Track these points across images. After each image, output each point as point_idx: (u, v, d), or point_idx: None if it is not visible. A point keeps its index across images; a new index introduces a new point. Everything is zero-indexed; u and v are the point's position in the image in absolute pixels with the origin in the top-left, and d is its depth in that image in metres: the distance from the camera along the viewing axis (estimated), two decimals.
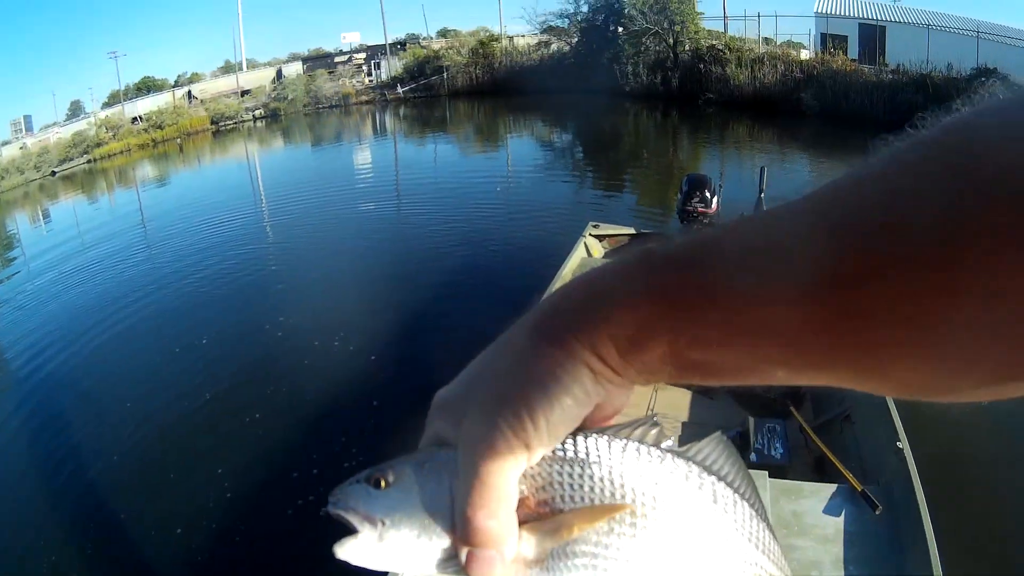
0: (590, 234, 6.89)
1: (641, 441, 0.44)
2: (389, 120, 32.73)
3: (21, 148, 30.89)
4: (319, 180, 19.75)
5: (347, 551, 0.41)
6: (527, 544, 0.40)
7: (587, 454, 0.42)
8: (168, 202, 20.37)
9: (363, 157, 24.26)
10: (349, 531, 0.41)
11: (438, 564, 0.41)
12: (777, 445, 3.98)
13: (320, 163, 24.00)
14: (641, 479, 0.42)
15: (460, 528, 0.39)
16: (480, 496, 0.38)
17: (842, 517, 3.18)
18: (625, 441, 0.44)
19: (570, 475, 0.42)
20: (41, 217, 23.73)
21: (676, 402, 4.60)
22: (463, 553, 0.39)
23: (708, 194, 6.70)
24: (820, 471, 3.72)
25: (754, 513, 0.48)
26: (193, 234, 15.21)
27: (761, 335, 0.33)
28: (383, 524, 0.41)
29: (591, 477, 0.42)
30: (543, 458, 0.41)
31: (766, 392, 4.39)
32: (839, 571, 2.94)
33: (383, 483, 0.42)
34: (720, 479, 0.46)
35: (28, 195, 27.23)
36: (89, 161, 30.83)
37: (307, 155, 26.40)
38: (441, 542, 0.40)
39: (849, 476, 3.41)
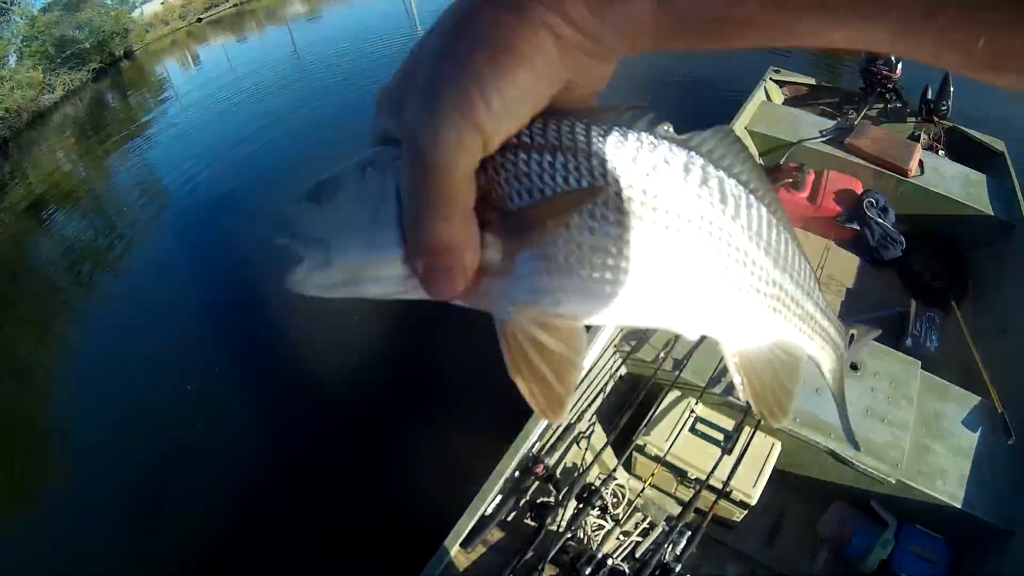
0: (771, 78, 6.66)
1: (628, 126, 0.40)
2: None
3: (163, 3, 31.65)
4: None
5: (296, 282, 0.40)
6: (491, 250, 0.38)
7: (559, 139, 0.38)
8: (321, 33, 22.02)
9: None
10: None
11: (394, 284, 0.39)
12: (933, 337, 4.33)
13: None
14: (628, 167, 0.39)
15: (410, 236, 0.36)
16: (429, 195, 0.35)
17: (977, 434, 3.34)
18: (608, 125, 0.40)
19: (538, 163, 0.38)
20: (191, 61, 24.92)
21: (842, 266, 4.94)
22: (418, 266, 0.37)
23: (894, 58, 6.03)
24: (968, 377, 3.82)
25: (774, 220, 0.44)
26: (346, 60, 16.31)
27: None
28: (327, 245, 0.39)
29: (564, 165, 0.38)
30: (505, 146, 0.37)
31: (932, 279, 4.75)
32: (960, 489, 3.10)
33: (323, 197, 0.40)
34: (730, 175, 0.42)
35: (177, 42, 28.53)
36: (236, 4, 31.39)
37: None
38: (393, 257, 0.38)
39: (993, 394, 3.55)
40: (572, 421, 3.40)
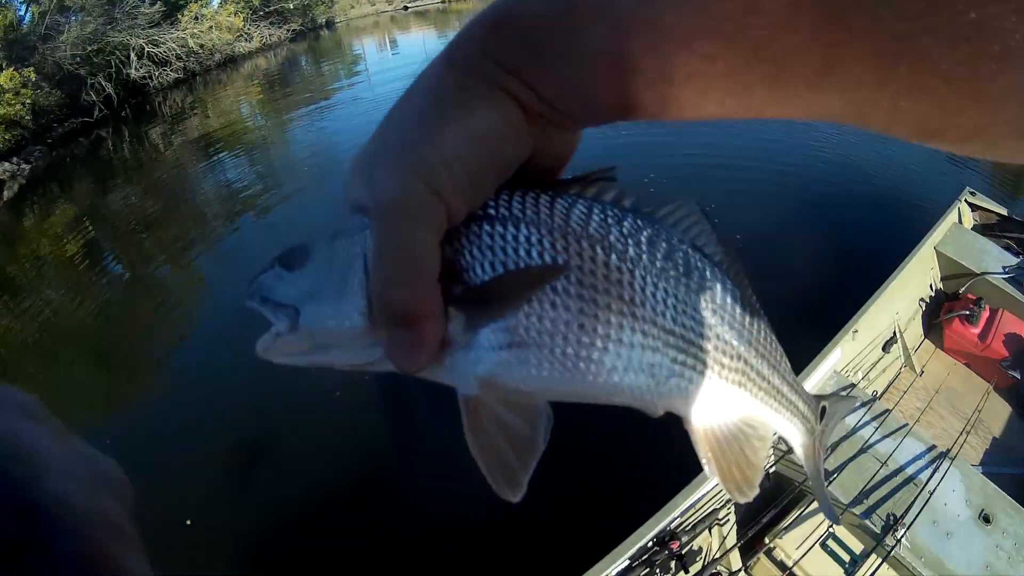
0: (965, 200, 6.44)
1: (595, 198, 0.42)
2: None
3: None
4: None
5: (264, 348, 0.41)
6: (455, 322, 0.38)
7: (523, 212, 0.40)
8: None
9: None
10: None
11: (361, 354, 0.40)
12: None
13: None
14: (593, 242, 0.40)
15: (375, 306, 0.37)
16: (393, 265, 0.36)
17: None
18: (574, 196, 0.42)
19: (502, 236, 0.39)
20: (388, 44, 26.20)
21: (996, 413, 4.73)
22: (383, 338, 0.38)
23: None
24: None
25: (739, 294, 0.45)
26: None
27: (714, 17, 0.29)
28: (296, 312, 0.40)
29: (528, 239, 0.39)
30: (470, 217, 0.39)
31: None
32: None
33: (295, 264, 0.41)
34: (695, 248, 0.44)
35: (378, 24, 29.99)
36: (443, 1, 32.93)
37: None
38: (360, 327, 0.39)
39: None
40: (715, 507, 3.45)
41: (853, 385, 4.26)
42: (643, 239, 0.41)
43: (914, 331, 5.32)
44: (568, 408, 0.43)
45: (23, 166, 18.01)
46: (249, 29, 27.09)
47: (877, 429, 3.77)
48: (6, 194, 16.58)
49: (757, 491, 0.47)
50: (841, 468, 3.59)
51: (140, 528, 0.43)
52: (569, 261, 0.39)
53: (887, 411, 3.91)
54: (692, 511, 3.41)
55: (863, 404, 3.98)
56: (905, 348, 5.07)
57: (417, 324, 0.37)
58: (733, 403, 0.47)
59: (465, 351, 0.39)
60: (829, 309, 5.31)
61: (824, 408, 0.59)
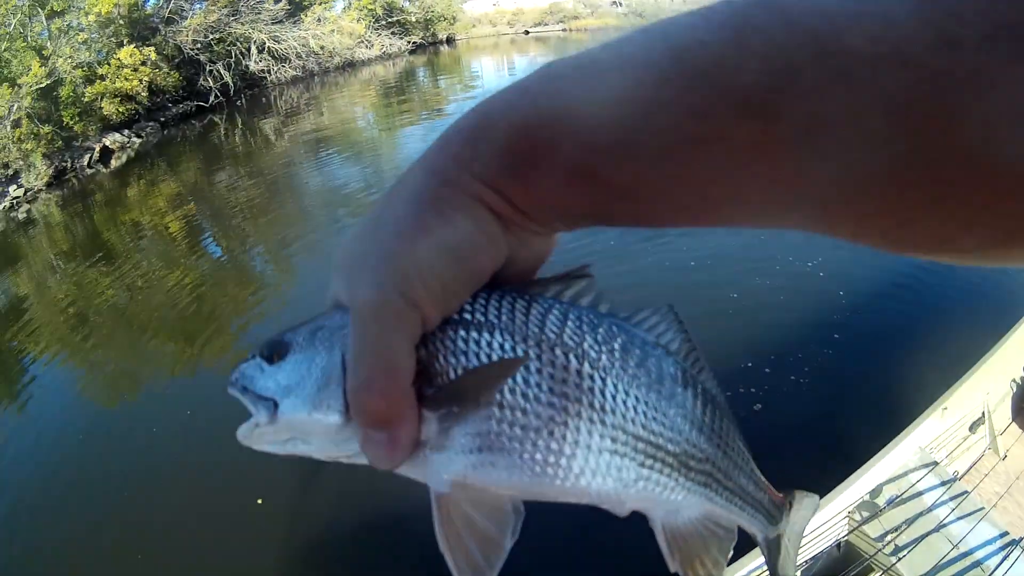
0: None
1: (571, 302, 0.44)
2: None
3: (494, 5, 34.45)
4: None
5: (244, 436, 0.43)
6: (429, 424, 0.40)
7: (498, 317, 0.41)
8: None
9: None
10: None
11: (337, 447, 0.42)
12: None
13: None
14: (567, 348, 0.42)
15: (352, 408, 0.39)
16: (369, 370, 0.38)
17: None
18: (550, 301, 0.43)
19: (476, 342, 0.41)
20: (505, 65, 26.34)
21: None
22: (359, 436, 0.39)
23: None
24: None
25: (710, 397, 0.48)
26: None
27: (674, 140, 0.32)
28: (275, 405, 0.42)
29: (501, 346, 0.41)
30: (446, 322, 0.41)
31: None
32: None
33: (275, 357, 0.43)
34: (669, 353, 0.46)
35: (498, 45, 30.85)
36: (564, 29, 33.18)
37: None
38: (337, 422, 0.41)
39: None
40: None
41: (936, 463, 4.17)
42: (616, 346, 0.43)
43: (1003, 413, 5.02)
44: None
45: (133, 139, 18.83)
46: (370, 36, 27.84)
47: (953, 510, 3.68)
48: (114, 163, 17.36)
49: None
50: (912, 545, 3.54)
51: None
52: (531, 364, 0.40)
53: (965, 492, 3.81)
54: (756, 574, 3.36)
55: (943, 483, 3.93)
56: (992, 429, 4.81)
57: (392, 426, 0.38)
58: (698, 503, 0.48)
59: (438, 452, 0.40)
60: (921, 381, 5.20)
61: (791, 502, 0.60)
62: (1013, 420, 5.01)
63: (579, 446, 0.41)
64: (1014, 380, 5.12)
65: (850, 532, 3.78)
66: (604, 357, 0.42)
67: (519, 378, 0.41)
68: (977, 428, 4.69)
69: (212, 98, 21.86)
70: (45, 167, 16.53)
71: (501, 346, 0.41)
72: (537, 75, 0.36)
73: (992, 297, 7.02)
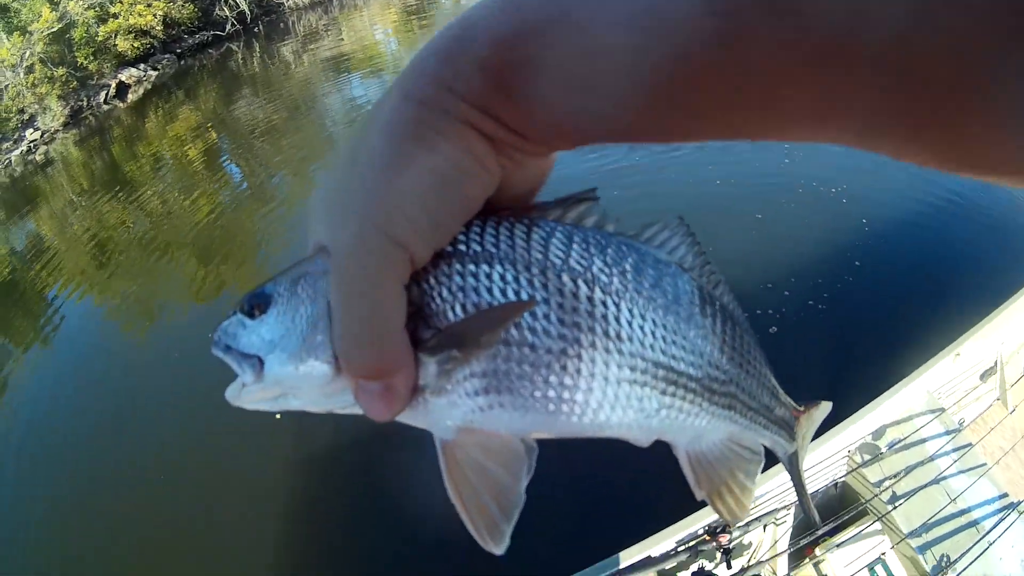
0: None
1: (575, 224, 0.41)
2: None
3: None
4: None
5: (233, 396, 0.41)
6: (427, 368, 0.38)
7: (496, 245, 0.39)
8: None
9: None
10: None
11: (329, 400, 0.40)
12: None
13: None
14: (574, 274, 0.39)
15: (341, 359, 0.37)
16: (355, 321, 0.36)
17: None
18: (551, 224, 0.41)
19: (474, 275, 0.38)
20: None
21: None
22: (352, 387, 0.38)
23: None
24: None
25: (728, 314, 0.46)
26: None
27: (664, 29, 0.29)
28: (260, 362, 0.40)
29: (502, 277, 0.38)
30: (439, 256, 0.38)
31: None
32: None
33: (257, 311, 0.41)
34: (683, 269, 0.44)
35: None
36: None
37: None
38: (327, 374, 0.38)
39: None
40: (776, 507, 3.43)
41: (943, 410, 4.05)
42: (628, 267, 0.41)
43: (1016, 365, 4.73)
44: None
45: (150, 72, 18.59)
46: None
47: (956, 462, 3.61)
48: (131, 97, 17.20)
49: (748, 512, 0.47)
50: (910, 495, 3.51)
51: None
52: (537, 295, 0.38)
53: (969, 445, 3.72)
54: (750, 508, 2.95)
55: (947, 432, 3.87)
56: (1003, 381, 4.58)
57: (386, 376, 0.36)
58: (722, 426, 0.46)
59: (439, 397, 0.38)
60: (937, 322, 4.97)
61: (808, 413, 0.59)
62: None
63: (595, 378, 0.38)
64: None
65: (849, 473, 3.78)
66: (616, 280, 0.40)
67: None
68: (988, 378, 4.53)
69: (229, 27, 21.37)
70: (60, 108, 16.44)
71: (501, 276, 0.38)
72: None
73: (1019, 243, 6.71)
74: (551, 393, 0.38)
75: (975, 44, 0.22)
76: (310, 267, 0.40)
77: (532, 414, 0.38)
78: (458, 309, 0.38)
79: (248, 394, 0.41)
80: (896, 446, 3.86)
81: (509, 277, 0.38)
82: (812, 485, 3.74)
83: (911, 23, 0.23)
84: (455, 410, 0.39)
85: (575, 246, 0.40)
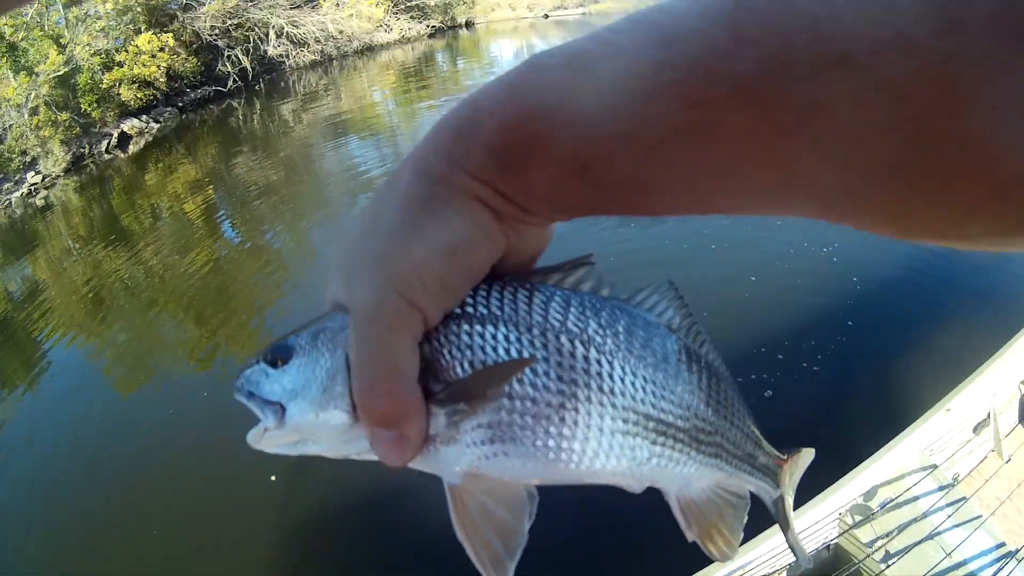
0: None
1: (573, 289, 0.45)
2: None
3: None
4: None
5: (254, 440, 0.44)
6: (438, 418, 0.41)
7: (500, 308, 0.42)
8: None
9: None
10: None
11: (346, 446, 0.43)
12: None
13: None
14: (571, 335, 0.42)
15: (359, 409, 0.40)
16: (373, 372, 0.38)
17: None
18: (551, 289, 0.44)
19: (480, 335, 0.41)
20: (525, 49, 25.89)
21: None
22: (368, 435, 0.40)
23: None
24: None
25: (714, 370, 0.49)
26: None
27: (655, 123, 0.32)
28: (282, 408, 0.43)
29: (506, 337, 0.41)
30: (449, 317, 0.41)
31: None
32: None
33: (279, 361, 0.44)
34: (671, 331, 0.47)
35: (518, 29, 30.74)
36: (583, 13, 32.95)
37: None
38: (345, 422, 0.41)
39: None
40: (767, 572, 3.45)
41: (935, 466, 4.12)
42: (620, 329, 0.44)
43: (1009, 415, 4.92)
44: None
45: (151, 124, 18.81)
46: (389, 20, 27.66)
47: (949, 516, 3.66)
48: (132, 148, 17.38)
49: (737, 551, 0.52)
50: (903, 552, 3.54)
51: None
52: (537, 354, 0.41)
53: (964, 499, 3.79)
54: (742, 572, 3.45)
55: (940, 488, 3.90)
56: (996, 432, 4.73)
57: (399, 425, 0.39)
58: (709, 473, 0.49)
59: (448, 445, 0.41)
60: (927, 378, 5.16)
61: (792, 460, 0.61)
62: (1019, 423, 4.97)
63: (591, 430, 0.41)
64: (1022, 383, 5.00)
65: (840, 535, 3.80)
66: (609, 341, 0.43)
67: (527, 368, 0.41)
68: (981, 430, 4.68)
69: (230, 83, 21.78)
70: (63, 153, 16.57)
71: (505, 337, 0.41)
72: (525, 68, 0.36)
73: (1003, 297, 6.93)
74: (551, 443, 0.41)
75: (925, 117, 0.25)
76: (329, 323, 0.43)
77: (533, 461, 0.41)
78: (466, 365, 0.41)
79: (269, 439, 0.43)
80: (888, 505, 3.87)
81: (512, 337, 0.41)
82: (806, 548, 3.62)
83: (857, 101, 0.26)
84: (463, 457, 0.41)
85: (572, 309, 0.43)
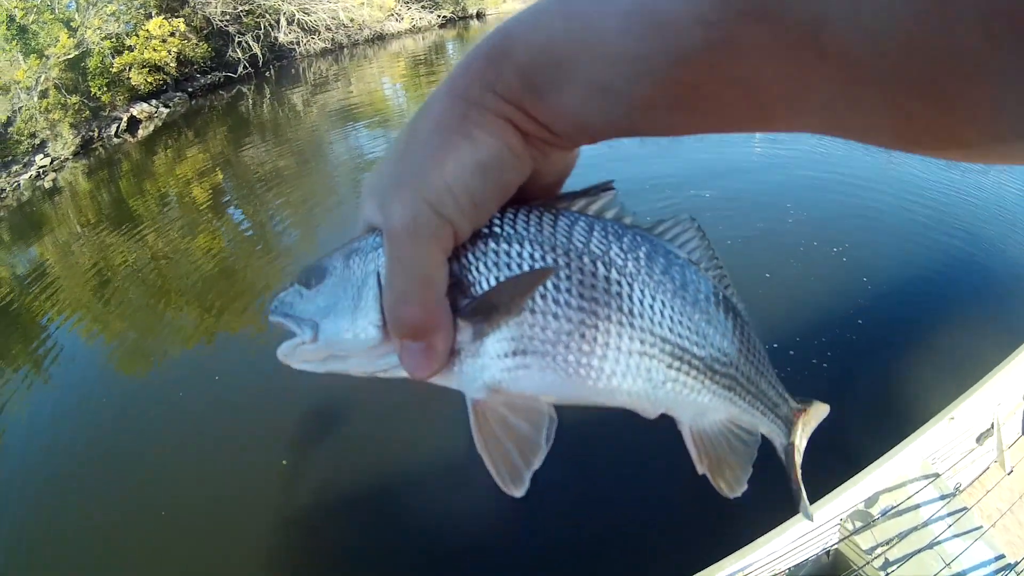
0: None
1: (596, 215, 0.46)
2: None
3: None
4: None
5: (286, 354, 0.47)
6: (464, 333, 0.43)
7: (527, 229, 0.44)
8: None
9: None
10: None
11: (375, 362, 0.45)
12: None
13: None
14: (594, 256, 0.44)
15: (389, 319, 0.42)
16: (405, 283, 0.40)
17: None
18: (575, 215, 0.46)
19: (507, 254, 0.43)
20: None
21: None
22: (397, 348, 0.42)
23: None
24: None
25: (732, 305, 0.50)
26: None
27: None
28: (315, 325, 0.45)
29: (531, 256, 0.43)
30: (477, 235, 0.43)
31: None
32: None
33: (313, 282, 0.47)
34: (693, 261, 0.48)
35: None
36: None
37: None
38: (375, 337, 0.43)
39: None
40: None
41: (937, 475, 4.13)
42: (642, 254, 0.45)
43: (1013, 426, 4.89)
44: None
45: (161, 109, 18.79)
46: (400, 10, 27.60)
47: (950, 526, 3.66)
48: (141, 132, 17.38)
49: (745, 487, 0.50)
50: (903, 561, 3.56)
51: None
52: (561, 272, 0.43)
53: (965, 509, 3.79)
54: (743, 574, 3.47)
55: (942, 497, 3.90)
56: (1000, 442, 4.71)
57: (428, 335, 0.41)
58: (723, 406, 0.50)
59: (473, 359, 0.43)
60: (932, 385, 5.13)
61: (806, 412, 0.62)
62: (1023, 435, 4.92)
63: (609, 348, 0.43)
64: None
65: (840, 541, 3.82)
66: (630, 264, 0.44)
67: (549, 285, 0.42)
68: (984, 440, 4.65)
69: (241, 69, 21.71)
70: (72, 136, 16.55)
71: (531, 256, 0.43)
72: None
73: (1011, 307, 6.89)
74: (571, 357, 0.42)
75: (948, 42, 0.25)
76: (362, 244, 0.45)
77: (553, 375, 0.43)
78: (492, 281, 0.42)
79: (301, 353, 0.46)
80: (889, 513, 3.85)
81: (536, 256, 0.43)
82: (803, 554, 3.77)
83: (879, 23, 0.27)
84: (486, 371, 0.43)
85: (596, 233, 0.45)
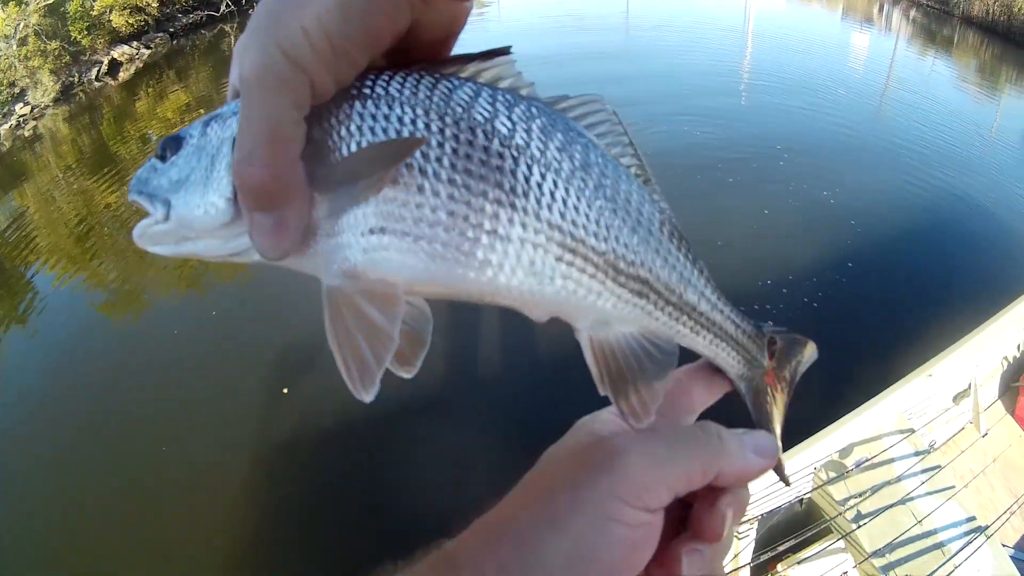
0: None
1: (488, 83, 0.41)
2: None
3: None
4: None
5: (138, 235, 0.42)
6: (321, 207, 0.38)
7: (400, 91, 0.39)
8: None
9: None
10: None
11: (227, 243, 0.40)
12: None
13: None
14: (474, 124, 0.39)
15: (237, 184, 0.37)
16: (253, 139, 0.35)
17: None
18: (461, 80, 0.40)
19: (373, 116, 0.38)
20: None
21: None
22: (247, 221, 0.38)
23: None
24: None
25: (645, 197, 0.44)
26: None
27: None
28: (167, 201, 0.41)
29: (399, 119, 0.38)
30: (342, 96, 0.38)
31: None
32: None
33: (169, 154, 0.42)
34: (599, 144, 0.43)
35: None
36: None
37: None
38: (226, 211, 0.39)
39: None
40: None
41: (912, 431, 4.10)
42: (535, 127, 0.40)
43: (989, 389, 4.95)
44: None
45: (142, 50, 18.30)
46: None
47: (924, 483, 3.67)
48: (122, 75, 16.97)
49: (653, 419, 0.44)
50: (875, 514, 3.55)
51: None
52: (433, 139, 0.37)
53: (938, 467, 3.82)
54: None
55: (916, 453, 3.88)
56: (976, 404, 4.75)
57: (278, 204, 0.36)
58: (633, 316, 0.44)
59: (330, 239, 0.38)
60: (912, 340, 5.12)
61: (777, 343, 0.54)
62: (999, 399, 5.01)
63: (483, 230, 0.38)
64: (1005, 357, 5.04)
65: (814, 489, 3.84)
66: (518, 136, 0.39)
67: (419, 153, 0.37)
68: (960, 400, 4.69)
69: (223, 7, 21.11)
70: (52, 83, 16.09)
71: (400, 119, 0.38)
72: None
73: (997, 270, 6.93)
74: (438, 240, 0.38)
75: None
76: (222, 109, 0.41)
77: (416, 259, 0.38)
78: (354, 147, 0.38)
79: (152, 235, 0.41)
80: (863, 465, 3.84)
81: (407, 119, 0.38)
82: (777, 501, 3.71)
83: None
84: (343, 252, 0.38)
85: (482, 100, 0.39)
